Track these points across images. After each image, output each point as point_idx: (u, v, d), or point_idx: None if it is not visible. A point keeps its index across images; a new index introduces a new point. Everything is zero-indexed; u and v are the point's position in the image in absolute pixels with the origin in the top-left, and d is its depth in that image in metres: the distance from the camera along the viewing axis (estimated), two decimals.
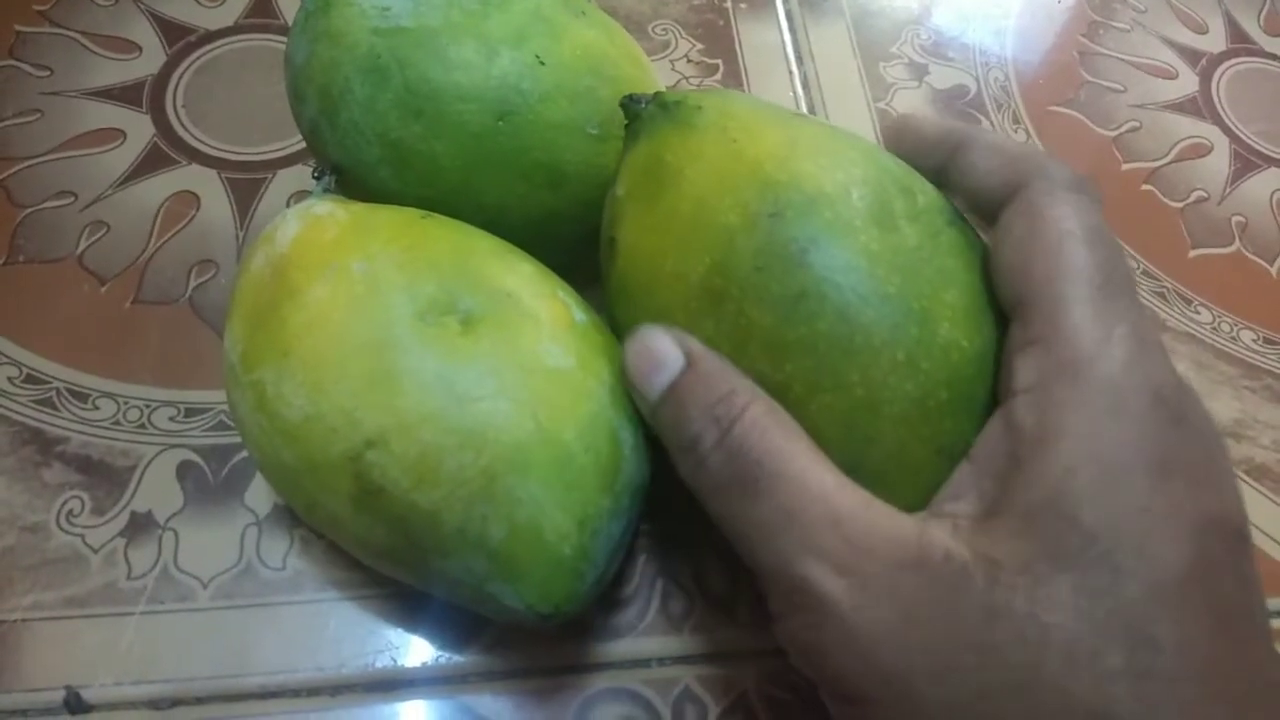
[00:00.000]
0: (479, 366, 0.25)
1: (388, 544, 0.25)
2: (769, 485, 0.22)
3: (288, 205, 0.39)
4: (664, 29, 0.47)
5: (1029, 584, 0.20)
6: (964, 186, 0.26)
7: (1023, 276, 0.23)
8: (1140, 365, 0.21)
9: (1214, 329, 0.41)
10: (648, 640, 0.31)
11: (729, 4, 0.49)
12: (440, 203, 0.30)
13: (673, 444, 0.24)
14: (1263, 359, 0.40)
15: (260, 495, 0.32)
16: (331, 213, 0.28)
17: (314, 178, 0.32)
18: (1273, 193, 0.45)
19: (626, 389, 0.26)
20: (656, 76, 0.34)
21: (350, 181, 0.31)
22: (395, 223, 0.28)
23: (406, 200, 0.30)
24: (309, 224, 0.28)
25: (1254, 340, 0.40)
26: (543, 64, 0.30)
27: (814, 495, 0.22)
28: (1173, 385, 0.22)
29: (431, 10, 0.30)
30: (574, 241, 0.33)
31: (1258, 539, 0.35)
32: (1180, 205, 0.45)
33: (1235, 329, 0.41)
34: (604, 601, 0.31)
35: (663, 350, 0.24)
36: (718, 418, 0.23)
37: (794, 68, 0.47)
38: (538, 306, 0.27)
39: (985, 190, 0.25)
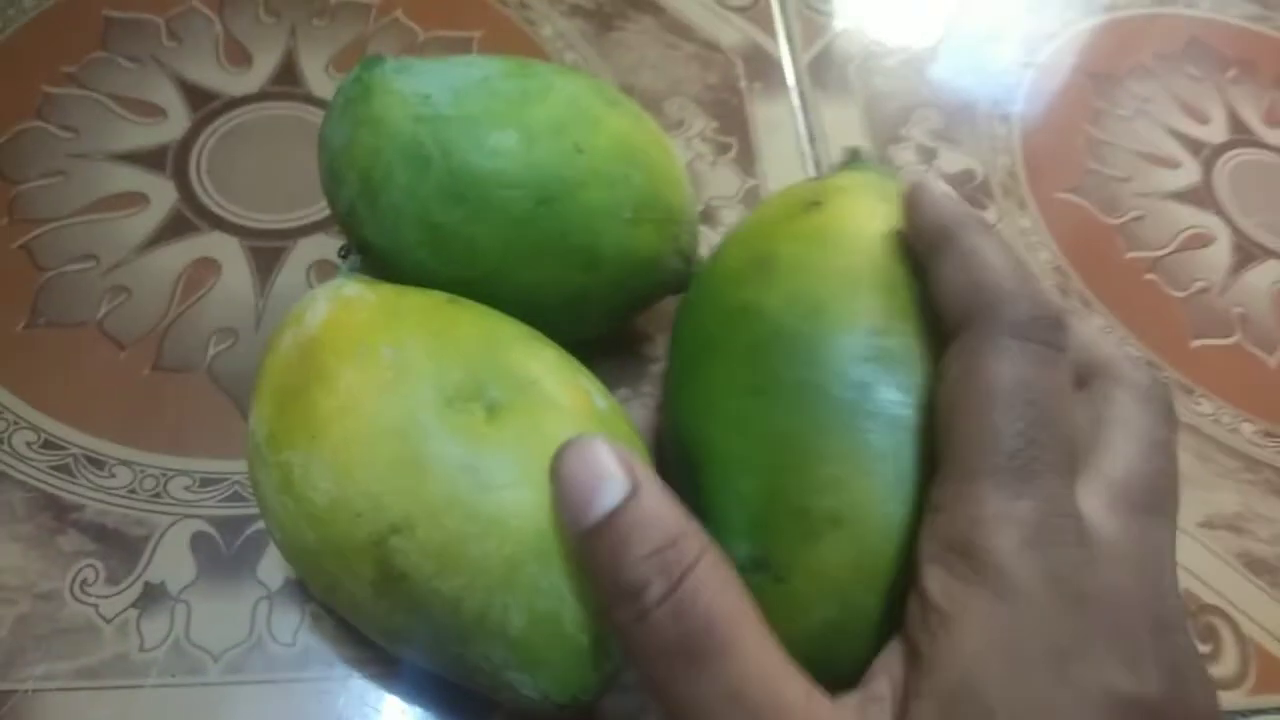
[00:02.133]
0: (504, 454, 0.25)
1: (407, 628, 0.25)
2: (717, 659, 0.20)
3: (307, 275, 0.40)
4: (679, 106, 0.48)
5: None
6: (932, 296, 0.25)
7: (945, 434, 0.22)
8: (1036, 546, 0.20)
9: (1215, 420, 0.41)
10: None
11: (743, 84, 0.50)
12: (477, 283, 0.30)
13: (610, 584, 0.21)
14: (1262, 451, 0.40)
15: (272, 568, 0.33)
16: (361, 295, 0.28)
17: (340, 257, 0.32)
18: (1273, 284, 0.46)
19: None
20: (681, 162, 0.35)
21: (383, 262, 0.32)
22: (423, 307, 0.28)
23: (442, 280, 0.30)
24: (339, 306, 0.28)
25: (1254, 432, 0.41)
26: (581, 152, 0.31)
27: (761, 678, 0.20)
28: (1073, 562, 0.20)
29: (471, 100, 0.30)
30: (605, 317, 0.34)
31: (1256, 634, 0.35)
32: (1183, 295, 0.45)
33: (1236, 421, 0.41)
34: (610, 686, 0.31)
35: (607, 467, 0.22)
36: (667, 566, 0.20)
37: (806, 148, 0.48)
38: (560, 394, 0.27)
39: (943, 311, 0.24)
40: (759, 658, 0.20)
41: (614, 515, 0.21)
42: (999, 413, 0.21)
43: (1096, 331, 0.25)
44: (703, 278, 0.31)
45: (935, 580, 0.21)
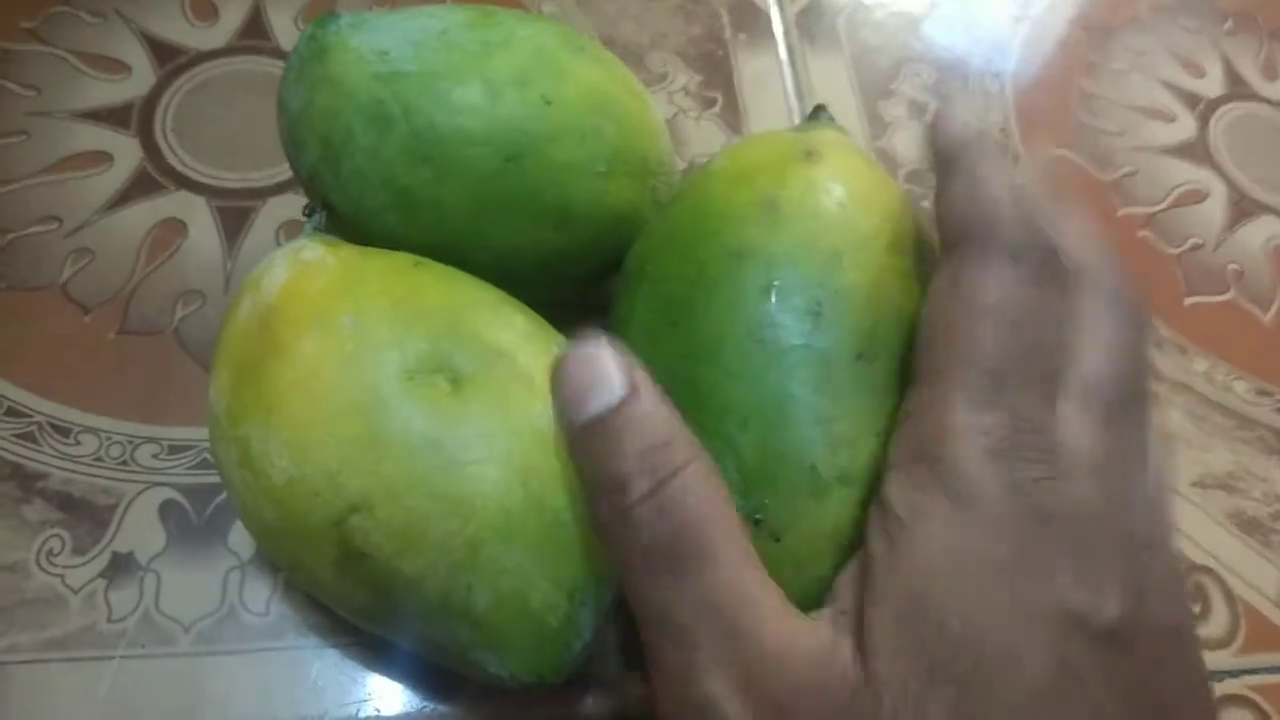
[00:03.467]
0: (468, 429, 0.24)
1: (370, 607, 0.25)
2: (695, 565, 0.20)
3: (277, 236, 0.39)
4: (662, 60, 0.47)
5: (913, 707, 0.19)
6: (935, 215, 0.24)
7: (925, 345, 0.23)
8: (1001, 458, 0.20)
9: (1208, 379, 0.40)
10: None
11: (728, 35, 0.48)
12: (449, 246, 0.29)
13: (594, 479, 0.22)
14: (1255, 410, 0.40)
15: (244, 537, 0.32)
16: (321, 259, 0.27)
17: (304, 215, 0.31)
18: (1268, 240, 0.45)
19: None
20: (656, 110, 0.34)
21: (352, 227, 0.30)
22: (386, 272, 0.27)
23: (413, 244, 0.29)
24: (297, 271, 0.27)
25: (1247, 391, 0.40)
26: (548, 104, 0.30)
27: (737, 590, 0.20)
28: (1038, 477, 0.20)
29: (432, 53, 0.29)
30: (583, 278, 0.33)
31: (1246, 593, 0.35)
32: (1177, 252, 0.44)
33: (1229, 379, 0.41)
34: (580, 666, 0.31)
35: (607, 370, 0.21)
36: (654, 466, 0.20)
37: (793, 103, 0.47)
38: (530, 364, 0.26)
39: (942, 230, 0.24)
40: (737, 569, 0.20)
41: (608, 414, 0.21)
42: (981, 325, 0.21)
43: (1076, 234, 0.23)
44: (685, 214, 0.29)
45: (897, 487, 0.21)
